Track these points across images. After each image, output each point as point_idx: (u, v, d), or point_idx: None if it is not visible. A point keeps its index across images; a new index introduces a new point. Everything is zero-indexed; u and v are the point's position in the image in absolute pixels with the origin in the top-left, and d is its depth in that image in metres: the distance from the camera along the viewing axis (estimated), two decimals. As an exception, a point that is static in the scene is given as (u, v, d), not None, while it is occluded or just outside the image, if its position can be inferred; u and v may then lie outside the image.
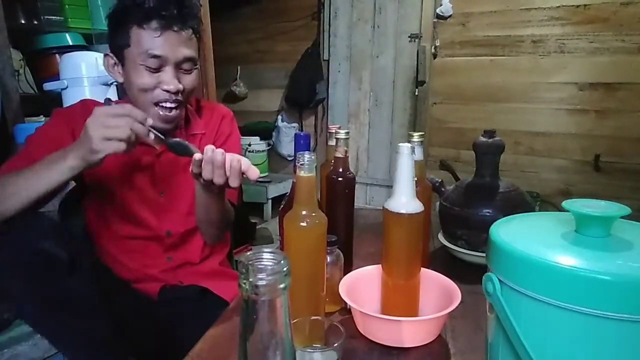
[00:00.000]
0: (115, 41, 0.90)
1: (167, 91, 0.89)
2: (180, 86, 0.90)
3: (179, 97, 0.92)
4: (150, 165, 0.98)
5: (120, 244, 1.00)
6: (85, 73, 1.47)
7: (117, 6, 0.89)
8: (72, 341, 0.80)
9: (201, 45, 0.99)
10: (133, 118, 0.77)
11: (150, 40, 0.86)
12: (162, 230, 1.00)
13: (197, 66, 0.95)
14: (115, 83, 1.52)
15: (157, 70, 0.88)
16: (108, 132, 0.75)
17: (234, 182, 0.82)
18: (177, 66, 0.90)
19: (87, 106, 0.98)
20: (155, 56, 0.87)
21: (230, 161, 0.80)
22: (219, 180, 0.81)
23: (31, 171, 0.79)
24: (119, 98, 1.49)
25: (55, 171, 0.77)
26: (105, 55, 0.94)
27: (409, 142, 0.75)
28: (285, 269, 0.32)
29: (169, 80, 0.88)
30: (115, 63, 0.93)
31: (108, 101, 0.98)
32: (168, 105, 0.91)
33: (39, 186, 0.78)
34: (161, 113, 0.91)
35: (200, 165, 0.80)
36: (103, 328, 0.79)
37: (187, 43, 0.90)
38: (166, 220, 1.00)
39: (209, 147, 0.79)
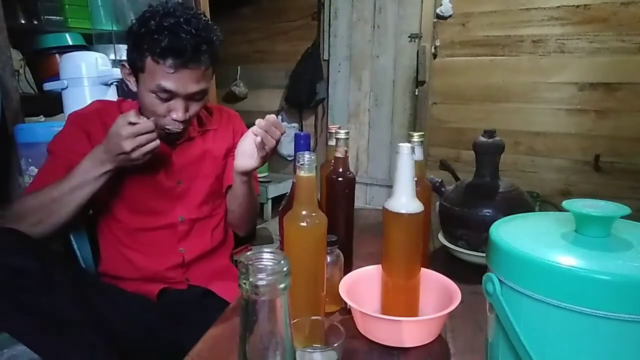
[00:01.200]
0: (132, 58, 0.92)
1: (176, 120, 0.93)
2: (187, 115, 0.94)
3: (185, 125, 0.96)
4: (166, 156, 1.01)
5: (132, 239, 1.01)
6: (85, 73, 1.46)
7: (136, 26, 0.90)
8: (55, 353, 0.77)
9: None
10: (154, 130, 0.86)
11: (163, 75, 0.88)
12: (176, 216, 1.02)
13: (208, 92, 0.98)
14: (115, 83, 1.52)
15: (168, 99, 0.91)
16: (145, 149, 0.84)
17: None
18: (188, 98, 0.93)
19: (101, 108, 1.03)
20: (166, 90, 0.89)
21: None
22: (275, 139, 0.94)
23: (70, 182, 0.87)
24: (119, 97, 1.50)
25: (95, 180, 0.87)
26: (122, 65, 0.97)
27: (409, 142, 0.75)
28: (285, 269, 0.32)
29: (177, 110, 0.92)
30: (130, 73, 0.95)
31: (120, 101, 1.06)
32: (174, 130, 0.96)
33: (81, 197, 0.88)
34: (169, 131, 0.96)
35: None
36: (87, 338, 0.77)
37: (199, 78, 0.91)
38: (180, 207, 1.03)
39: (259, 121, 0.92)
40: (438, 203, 1.02)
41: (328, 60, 3.28)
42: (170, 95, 0.90)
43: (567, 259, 0.40)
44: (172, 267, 1.01)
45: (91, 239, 1.07)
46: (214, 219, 1.09)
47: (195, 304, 0.99)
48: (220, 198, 1.11)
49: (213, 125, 1.11)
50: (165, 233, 1.02)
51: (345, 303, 0.71)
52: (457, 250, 0.96)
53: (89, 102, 1.46)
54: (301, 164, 0.64)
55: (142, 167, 0.98)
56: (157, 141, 0.86)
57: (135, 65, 0.92)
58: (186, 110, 0.93)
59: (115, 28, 2.02)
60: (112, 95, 1.51)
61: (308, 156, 0.64)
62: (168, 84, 0.88)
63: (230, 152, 1.11)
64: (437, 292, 0.74)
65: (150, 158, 0.98)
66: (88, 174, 0.87)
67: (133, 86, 0.97)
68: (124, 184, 0.99)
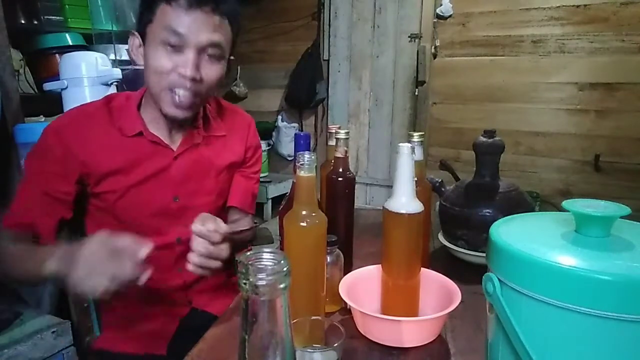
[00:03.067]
0: (141, 18, 0.83)
1: (183, 76, 0.80)
2: (199, 74, 0.82)
3: (195, 87, 0.82)
4: (165, 169, 0.92)
5: None
6: (85, 73, 1.47)
7: None
8: None
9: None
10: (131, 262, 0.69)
11: (175, 16, 0.78)
12: (173, 237, 0.93)
13: (225, 57, 0.86)
14: (115, 83, 1.52)
15: (177, 51, 0.80)
16: (109, 285, 0.67)
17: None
18: (200, 51, 0.81)
19: (81, 114, 0.90)
20: (176, 33, 0.79)
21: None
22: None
23: (30, 260, 0.79)
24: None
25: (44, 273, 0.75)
26: (132, 34, 0.87)
27: (409, 142, 0.75)
28: (285, 269, 0.32)
29: (187, 64, 0.80)
30: (140, 44, 0.86)
31: (109, 98, 0.93)
32: (182, 92, 0.82)
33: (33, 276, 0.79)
34: (175, 98, 0.83)
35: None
36: None
37: (216, 27, 0.81)
38: (177, 227, 0.93)
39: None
40: (438, 203, 1.02)
41: (328, 60, 3.28)
42: (180, 42, 0.79)
43: (567, 259, 0.40)
44: (173, 289, 0.96)
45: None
46: None
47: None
48: (221, 215, 1.02)
49: (222, 130, 0.99)
50: (163, 255, 0.92)
51: (345, 303, 0.71)
52: (457, 250, 0.96)
53: (88, 102, 1.47)
54: (301, 164, 0.64)
55: (141, 181, 0.90)
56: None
57: (144, 23, 0.82)
58: (197, 67, 0.81)
59: (115, 28, 2.02)
60: (112, 95, 1.51)
61: (308, 156, 0.64)
62: (179, 25, 0.78)
63: (238, 167, 1.03)
64: (437, 292, 0.74)
65: (149, 171, 0.90)
66: (38, 266, 0.76)
67: (140, 58, 0.86)
68: (124, 204, 0.90)
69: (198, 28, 0.79)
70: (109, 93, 1.50)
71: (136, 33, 0.86)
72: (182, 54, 0.80)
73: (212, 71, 0.84)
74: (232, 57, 0.90)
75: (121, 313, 0.97)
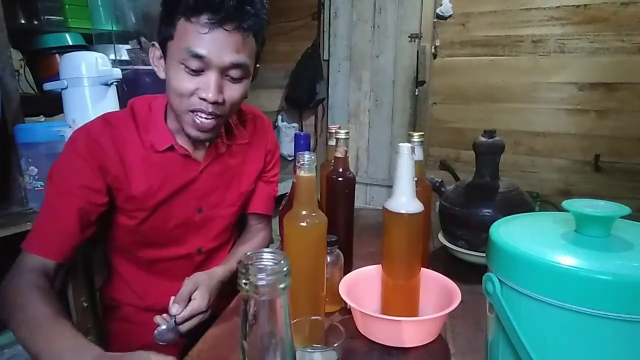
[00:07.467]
0: (161, 31, 0.79)
1: (204, 100, 0.77)
2: (221, 97, 0.78)
3: (218, 111, 0.79)
4: (192, 181, 0.91)
5: (146, 270, 0.94)
6: (85, 73, 1.46)
7: None
8: None
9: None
10: None
11: (196, 36, 0.74)
12: (194, 247, 0.95)
13: (250, 75, 0.83)
14: (116, 83, 1.52)
15: (198, 73, 0.77)
16: None
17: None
18: (223, 72, 0.78)
19: (109, 123, 0.86)
20: (197, 56, 0.75)
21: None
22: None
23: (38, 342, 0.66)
24: (119, 99, 1.49)
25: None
26: (152, 45, 0.84)
27: (409, 142, 0.75)
28: (285, 269, 0.32)
29: (208, 87, 0.76)
30: (160, 56, 0.83)
31: (132, 104, 0.89)
32: (204, 115, 0.79)
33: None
34: (196, 121, 0.80)
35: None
36: None
37: (239, 47, 0.77)
38: (198, 237, 0.95)
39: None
40: (438, 203, 1.02)
41: (328, 60, 3.28)
42: (201, 65, 0.75)
43: (567, 259, 0.40)
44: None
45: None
46: (229, 244, 1.04)
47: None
48: (238, 223, 1.05)
49: (244, 138, 0.97)
50: (181, 264, 0.95)
51: (345, 303, 0.71)
52: (457, 250, 0.96)
53: (89, 102, 1.46)
54: (301, 164, 0.65)
55: (169, 195, 0.88)
56: None
57: (165, 36, 0.78)
58: (219, 90, 0.77)
59: (115, 28, 2.01)
60: (112, 95, 1.51)
61: (308, 156, 0.64)
62: (200, 47, 0.74)
63: (260, 175, 1.03)
64: (437, 292, 0.74)
65: (177, 185, 0.89)
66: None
67: (161, 72, 0.83)
68: (142, 219, 0.88)
69: (220, 49, 0.75)
70: (109, 93, 1.50)
71: (157, 44, 0.83)
72: (204, 75, 0.77)
73: (235, 92, 0.81)
74: (257, 65, 0.87)
75: (130, 322, 0.96)
